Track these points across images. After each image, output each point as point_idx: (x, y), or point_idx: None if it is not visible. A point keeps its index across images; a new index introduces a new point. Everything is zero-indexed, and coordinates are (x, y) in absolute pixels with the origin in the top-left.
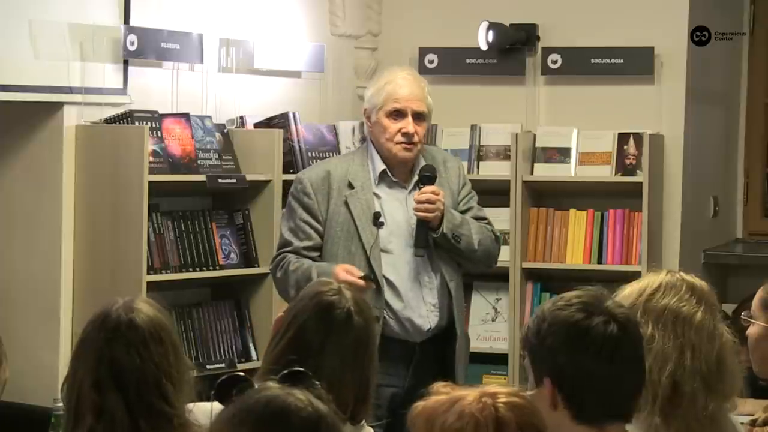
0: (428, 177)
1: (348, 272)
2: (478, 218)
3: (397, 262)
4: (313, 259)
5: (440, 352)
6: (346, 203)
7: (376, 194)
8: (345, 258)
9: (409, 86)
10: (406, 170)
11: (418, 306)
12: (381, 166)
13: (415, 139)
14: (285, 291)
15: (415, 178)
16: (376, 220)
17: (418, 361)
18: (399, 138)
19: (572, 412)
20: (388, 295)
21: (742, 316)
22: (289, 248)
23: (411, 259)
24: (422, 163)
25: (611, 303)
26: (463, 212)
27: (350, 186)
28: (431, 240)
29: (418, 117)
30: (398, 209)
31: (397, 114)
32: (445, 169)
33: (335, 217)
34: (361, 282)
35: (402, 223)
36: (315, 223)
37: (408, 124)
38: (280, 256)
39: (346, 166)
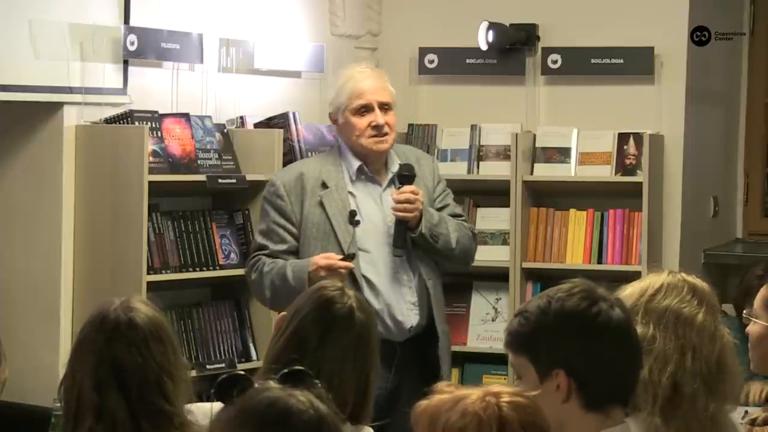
0: (407, 176)
1: (327, 258)
2: (455, 215)
3: (375, 260)
4: None
5: (422, 352)
6: (321, 203)
7: (351, 193)
8: None
9: (370, 79)
10: (381, 164)
11: (399, 305)
12: (357, 163)
13: (386, 129)
14: (261, 293)
15: (390, 174)
16: (352, 219)
17: (400, 360)
18: (370, 132)
19: (583, 401)
20: (368, 294)
21: (744, 314)
22: (264, 252)
23: (389, 257)
24: (396, 160)
25: (602, 289)
26: (439, 209)
27: (324, 186)
28: (409, 239)
29: (385, 107)
30: (373, 207)
31: (364, 109)
32: (419, 167)
33: (310, 218)
34: (343, 263)
35: (378, 221)
36: (289, 226)
37: (377, 116)
38: (254, 259)
39: (319, 166)
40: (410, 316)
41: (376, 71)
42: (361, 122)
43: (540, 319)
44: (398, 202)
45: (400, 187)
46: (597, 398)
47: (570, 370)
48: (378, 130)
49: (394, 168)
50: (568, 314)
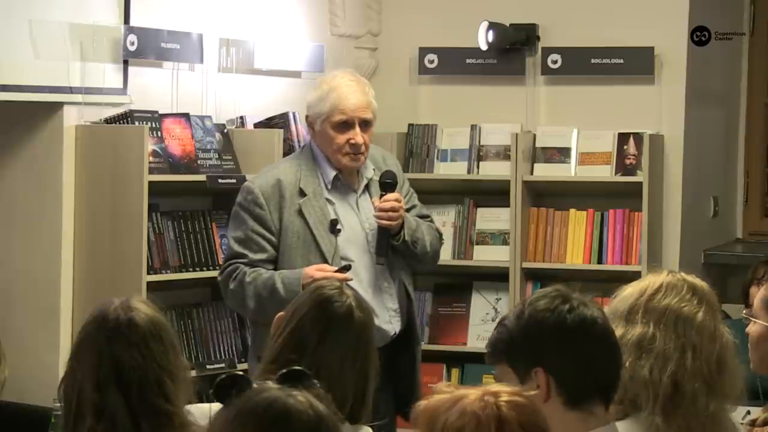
0: (390, 184)
1: (321, 269)
2: (422, 216)
3: (357, 269)
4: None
5: (399, 356)
6: (300, 212)
7: (328, 200)
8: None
9: (355, 95)
10: (354, 173)
11: (382, 313)
12: (332, 172)
13: (363, 149)
14: (241, 303)
15: (364, 181)
16: (334, 228)
17: (381, 366)
18: (347, 149)
19: (563, 398)
20: None
21: (743, 314)
22: (242, 260)
23: (370, 265)
24: (369, 165)
25: (577, 294)
26: (407, 210)
27: (302, 193)
28: (390, 247)
29: (365, 124)
30: (351, 214)
31: (344, 125)
32: (385, 166)
33: (290, 227)
34: (340, 275)
35: (356, 229)
36: (268, 235)
37: (356, 135)
38: (231, 267)
39: (294, 172)
40: (393, 323)
41: (361, 84)
42: (340, 138)
43: (515, 324)
44: (382, 210)
45: (382, 195)
46: (577, 395)
47: (547, 368)
48: (355, 149)
49: (368, 173)
50: (542, 313)
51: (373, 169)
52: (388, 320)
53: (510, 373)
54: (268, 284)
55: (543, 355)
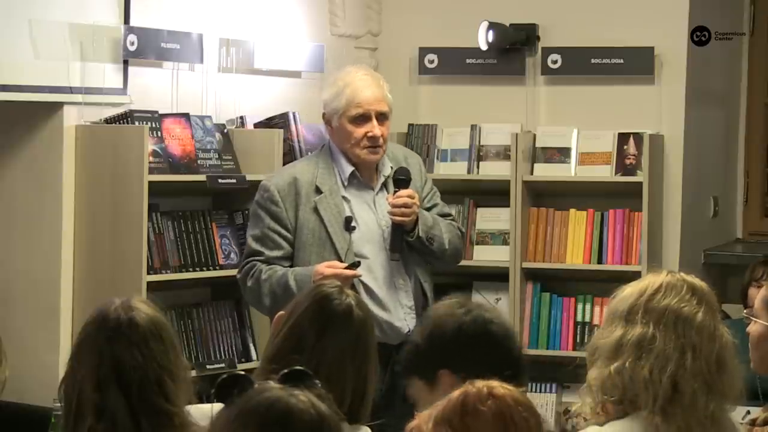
0: (403, 180)
1: (331, 266)
2: (443, 215)
3: (372, 266)
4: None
5: None
6: (316, 209)
7: (345, 198)
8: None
9: (370, 88)
10: (372, 170)
11: (396, 309)
12: (349, 169)
13: (381, 141)
14: (258, 300)
15: (382, 179)
16: (348, 225)
17: (396, 363)
18: (365, 142)
19: None
20: (365, 300)
21: (744, 314)
22: (259, 258)
23: (385, 262)
24: (387, 163)
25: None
26: (428, 209)
27: (318, 191)
28: (405, 243)
29: (382, 117)
30: (367, 212)
31: (361, 118)
32: (406, 165)
33: (305, 224)
34: (349, 272)
35: (372, 226)
36: (284, 232)
37: (373, 128)
38: (249, 265)
39: (311, 170)
40: (407, 320)
41: (376, 78)
42: (358, 131)
43: (419, 336)
44: (395, 206)
45: (396, 191)
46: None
47: (452, 369)
48: (373, 142)
49: (386, 171)
50: (442, 319)
51: (391, 167)
52: (402, 317)
53: (420, 384)
54: (282, 281)
55: (447, 358)
